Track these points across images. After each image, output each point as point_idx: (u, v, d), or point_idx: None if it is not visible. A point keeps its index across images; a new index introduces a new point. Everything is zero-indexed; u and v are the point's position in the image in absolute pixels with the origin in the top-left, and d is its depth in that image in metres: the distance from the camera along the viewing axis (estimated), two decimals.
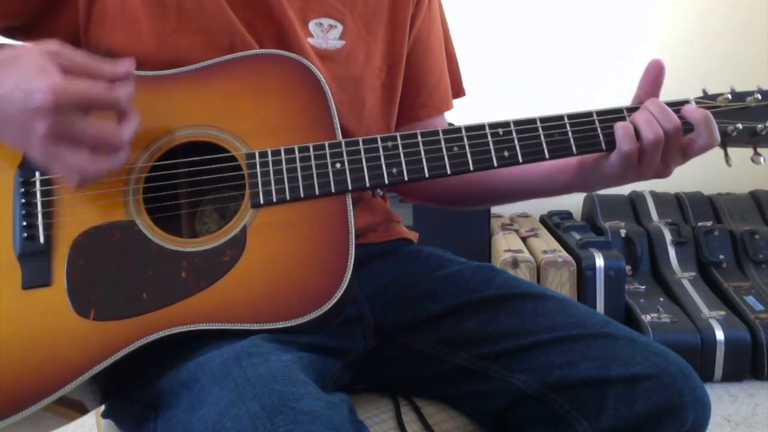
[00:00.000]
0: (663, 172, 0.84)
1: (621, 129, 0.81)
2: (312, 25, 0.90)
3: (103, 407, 0.84)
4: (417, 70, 1.02)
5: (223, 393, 0.63)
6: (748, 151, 0.86)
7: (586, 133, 0.83)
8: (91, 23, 0.82)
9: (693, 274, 2.45)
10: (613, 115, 0.83)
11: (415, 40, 1.01)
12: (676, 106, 0.84)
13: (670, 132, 0.80)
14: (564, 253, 2.28)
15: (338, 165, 0.78)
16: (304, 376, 0.66)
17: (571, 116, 0.83)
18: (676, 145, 0.81)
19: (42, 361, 0.71)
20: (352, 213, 0.77)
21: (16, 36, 0.85)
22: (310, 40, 0.89)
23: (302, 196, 0.77)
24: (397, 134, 0.81)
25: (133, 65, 0.72)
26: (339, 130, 0.80)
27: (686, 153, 0.83)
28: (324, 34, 0.90)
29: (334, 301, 0.72)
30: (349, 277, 0.74)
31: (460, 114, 1.11)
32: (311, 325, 0.72)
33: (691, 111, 0.81)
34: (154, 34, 0.82)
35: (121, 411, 0.82)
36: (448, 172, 0.80)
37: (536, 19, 2.81)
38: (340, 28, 0.92)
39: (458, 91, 1.09)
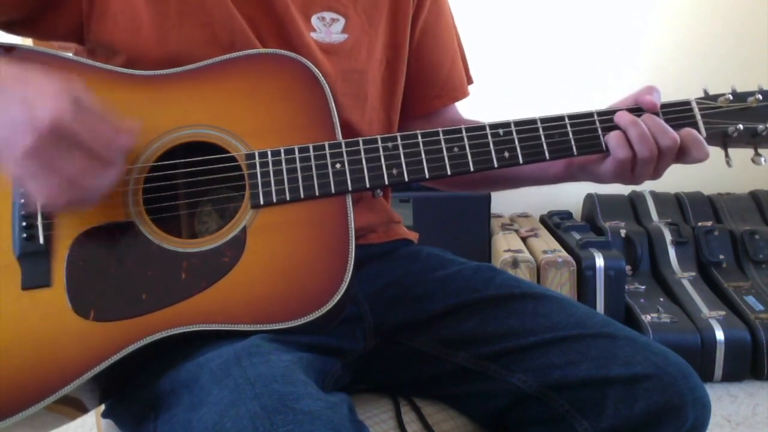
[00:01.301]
0: (654, 178, 0.85)
1: (613, 139, 0.81)
2: (314, 20, 0.90)
3: (103, 407, 0.84)
4: (427, 60, 1.02)
5: (223, 393, 0.63)
6: (749, 152, 0.86)
7: (587, 134, 0.83)
8: (93, 17, 0.82)
9: (693, 274, 2.45)
10: (614, 115, 0.83)
11: (423, 32, 1.00)
12: (677, 107, 0.84)
13: (664, 149, 0.81)
14: (564, 253, 2.28)
15: (338, 165, 0.78)
16: (304, 376, 0.66)
17: (571, 116, 0.83)
18: (670, 157, 0.82)
19: (42, 361, 0.71)
20: (352, 213, 0.77)
21: (17, 31, 0.85)
22: (312, 34, 0.89)
23: (302, 196, 0.77)
24: (398, 134, 0.81)
25: (139, 127, 0.72)
26: (339, 130, 0.80)
27: (678, 162, 0.83)
28: (327, 28, 0.90)
29: (334, 301, 0.72)
30: (349, 277, 0.73)
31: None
32: (311, 325, 0.72)
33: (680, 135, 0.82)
34: (155, 28, 0.82)
35: (121, 411, 0.81)
36: (449, 172, 0.80)
37: (536, 20, 2.81)
38: (342, 21, 0.92)
39: (467, 80, 1.09)
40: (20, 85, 0.66)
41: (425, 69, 1.02)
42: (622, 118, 0.82)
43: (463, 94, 1.07)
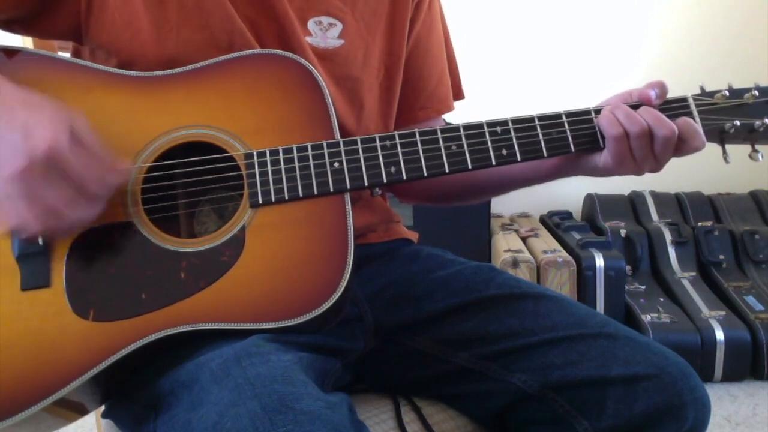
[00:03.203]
0: (656, 168, 0.84)
1: (604, 119, 0.82)
2: (311, 24, 0.90)
3: (103, 407, 0.84)
4: (416, 72, 1.02)
5: (222, 393, 0.63)
6: (747, 150, 0.86)
7: (583, 131, 0.83)
8: (91, 18, 0.82)
9: (693, 274, 2.45)
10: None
11: (415, 43, 1.01)
12: (674, 103, 0.84)
13: (662, 138, 0.80)
14: (564, 253, 2.28)
15: (336, 164, 0.78)
16: (304, 376, 0.66)
17: (569, 114, 0.83)
18: (670, 147, 0.81)
19: (41, 362, 0.71)
20: (350, 212, 0.77)
21: (16, 29, 0.85)
22: (308, 38, 0.89)
23: (301, 195, 0.77)
24: (396, 133, 0.81)
25: (131, 168, 0.73)
26: (337, 130, 0.80)
27: (676, 154, 0.83)
28: (323, 33, 0.90)
29: (333, 300, 0.72)
30: (348, 276, 0.73)
31: (458, 112, 1.11)
32: (311, 324, 0.72)
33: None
34: (153, 30, 0.82)
35: (121, 411, 0.81)
36: (447, 170, 0.80)
37: (535, 19, 2.81)
38: (339, 26, 0.92)
39: (458, 94, 1.10)
40: (25, 108, 0.67)
41: (413, 80, 1.01)
42: (605, 106, 0.84)
43: (448, 108, 1.07)
